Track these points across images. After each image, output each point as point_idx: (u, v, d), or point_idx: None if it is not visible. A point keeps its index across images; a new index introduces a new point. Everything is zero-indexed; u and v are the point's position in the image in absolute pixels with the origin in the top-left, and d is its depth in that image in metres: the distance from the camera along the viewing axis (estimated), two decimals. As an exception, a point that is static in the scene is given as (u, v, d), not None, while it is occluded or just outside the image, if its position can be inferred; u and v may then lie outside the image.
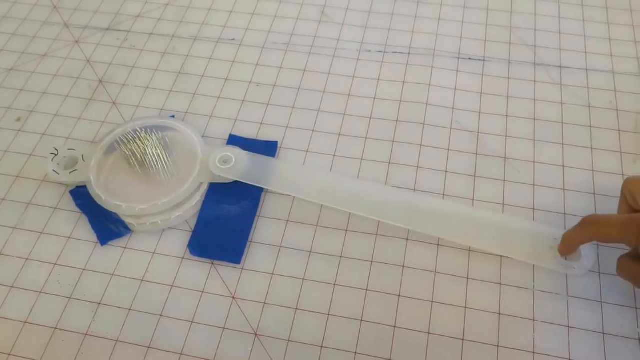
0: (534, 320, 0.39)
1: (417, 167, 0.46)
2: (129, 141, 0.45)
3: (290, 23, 0.56)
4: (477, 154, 0.47)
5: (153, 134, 0.45)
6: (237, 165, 0.45)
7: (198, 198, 0.44)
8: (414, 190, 0.45)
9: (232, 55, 0.54)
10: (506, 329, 0.39)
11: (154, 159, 0.44)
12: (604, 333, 0.38)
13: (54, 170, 0.45)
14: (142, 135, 0.45)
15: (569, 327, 0.39)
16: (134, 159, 0.44)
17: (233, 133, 0.49)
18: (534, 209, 0.44)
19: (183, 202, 0.44)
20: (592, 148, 0.47)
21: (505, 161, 0.46)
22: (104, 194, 0.43)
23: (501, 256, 0.41)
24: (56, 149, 0.46)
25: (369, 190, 0.44)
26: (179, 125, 0.47)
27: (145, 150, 0.44)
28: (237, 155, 0.45)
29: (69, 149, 0.46)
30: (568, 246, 0.39)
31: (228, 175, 0.44)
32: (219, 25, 0.56)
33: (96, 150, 0.46)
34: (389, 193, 0.44)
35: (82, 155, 0.46)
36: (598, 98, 0.50)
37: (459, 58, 0.53)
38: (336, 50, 0.54)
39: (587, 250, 0.40)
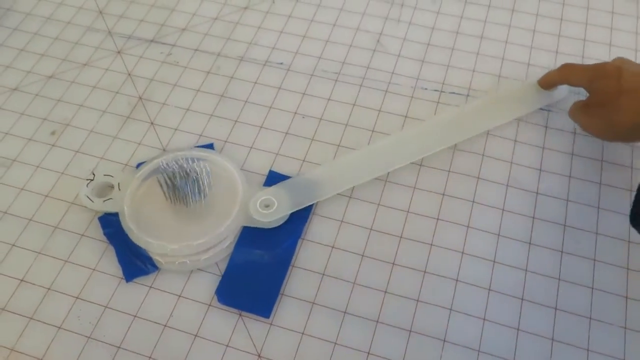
0: None
1: (468, 226, 0.43)
2: (169, 174, 0.42)
3: (343, 50, 0.53)
4: (534, 217, 0.43)
5: (195, 167, 0.42)
6: (279, 209, 0.42)
7: (231, 239, 0.42)
8: (462, 252, 0.41)
9: (278, 81, 0.51)
10: None
11: (192, 196, 0.42)
12: None
13: (87, 196, 0.43)
14: (183, 168, 0.42)
15: None
16: (172, 194, 0.42)
17: (273, 169, 0.46)
18: (592, 287, 0.40)
19: (214, 243, 0.41)
20: (662, 222, 0.43)
21: (565, 229, 0.42)
22: (136, 227, 0.41)
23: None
24: (93, 174, 0.44)
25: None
26: (221, 159, 0.45)
27: (184, 185, 0.41)
28: (280, 197, 0.43)
29: (105, 175, 0.44)
30: (547, 81, 0.47)
31: (269, 219, 0.42)
32: (268, 46, 0.53)
33: (132, 180, 0.43)
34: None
35: (118, 184, 0.44)
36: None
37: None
38: (389, 85, 0.51)
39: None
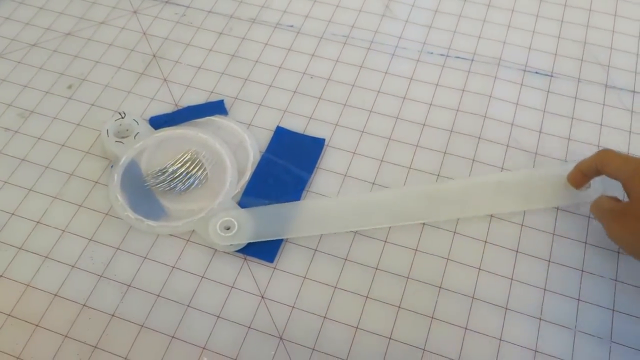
0: None
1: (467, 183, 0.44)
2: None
3: (352, 15, 0.54)
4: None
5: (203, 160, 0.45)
6: (241, 231, 0.41)
7: (238, 189, 0.44)
8: (454, 232, 0.43)
9: (288, 43, 0.53)
10: None
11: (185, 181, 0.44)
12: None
13: (107, 130, 0.45)
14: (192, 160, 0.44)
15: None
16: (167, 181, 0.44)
17: (281, 125, 0.47)
18: (585, 242, 0.41)
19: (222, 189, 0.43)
20: (657, 184, 0.44)
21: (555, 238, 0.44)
22: (119, 182, 0.44)
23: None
24: (124, 113, 0.46)
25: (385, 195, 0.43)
26: (227, 159, 0.45)
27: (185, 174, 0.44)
28: (240, 219, 0.41)
29: (133, 119, 0.46)
30: (578, 172, 0.41)
31: (231, 242, 0.41)
32: (279, 9, 0.55)
33: (149, 137, 0.46)
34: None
35: (137, 133, 0.45)
36: (671, 130, 0.46)
37: (525, 70, 0.50)
38: (396, 48, 0.52)
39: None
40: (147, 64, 0.52)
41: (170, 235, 0.42)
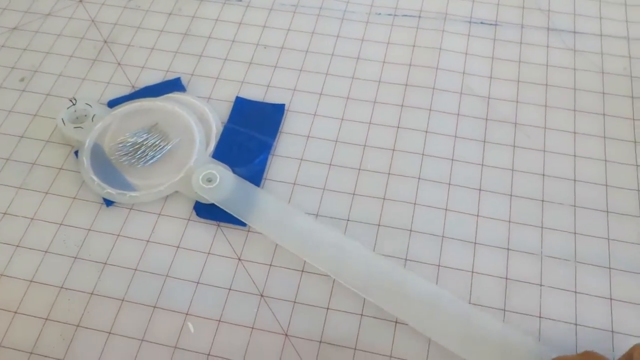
0: None
1: (426, 132, 0.45)
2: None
3: (299, -16, 0.55)
4: (487, 119, 0.46)
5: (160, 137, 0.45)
6: (220, 186, 0.41)
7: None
8: (423, 154, 0.44)
9: (239, 17, 0.53)
10: None
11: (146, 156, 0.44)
12: None
13: (62, 119, 0.45)
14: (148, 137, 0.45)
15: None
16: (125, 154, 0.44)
17: (240, 95, 0.48)
18: (543, 174, 0.43)
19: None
20: (604, 115, 0.46)
21: (516, 127, 0.45)
22: (90, 163, 0.44)
23: None
24: (75, 99, 0.46)
25: (352, 254, 0.40)
26: (191, 120, 0.45)
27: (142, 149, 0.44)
28: (223, 174, 0.42)
29: (86, 103, 0.46)
30: None
31: (209, 196, 0.41)
32: (226, -14, 0.55)
33: (106, 116, 0.46)
34: (375, 263, 0.39)
35: (94, 116, 0.45)
36: (612, 64, 0.49)
37: (470, 22, 0.52)
38: (345, 12, 0.53)
39: None
40: (99, 50, 0.51)
41: (141, 210, 0.42)
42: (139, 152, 0.44)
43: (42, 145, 0.46)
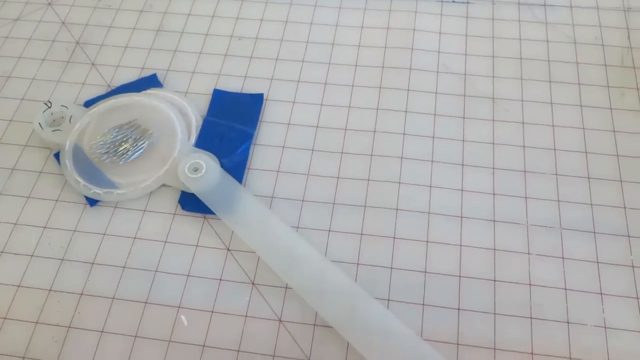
0: None
1: (406, 111, 0.46)
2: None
3: (269, -25, 0.55)
4: (465, 95, 0.46)
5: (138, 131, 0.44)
6: (206, 176, 0.41)
7: (186, 154, 0.44)
8: (404, 134, 0.44)
9: (211, 10, 0.53)
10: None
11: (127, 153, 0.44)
12: None
13: (39, 123, 0.44)
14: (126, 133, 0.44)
15: None
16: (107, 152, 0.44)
17: (217, 87, 0.48)
18: (524, 146, 0.44)
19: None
20: (579, 84, 0.47)
21: (494, 101, 0.46)
22: (73, 164, 0.43)
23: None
24: (50, 102, 0.45)
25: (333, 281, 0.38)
26: (170, 112, 0.45)
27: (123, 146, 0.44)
28: (209, 164, 0.42)
29: (61, 105, 0.45)
30: None
31: (193, 187, 0.41)
32: (196, -20, 0.55)
33: (83, 116, 0.45)
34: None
35: (71, 117, 0.45)
36: (584, 34, 0.49)
37: (442, 2, 0.52)
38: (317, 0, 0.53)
39: None
40: (72, 52, 0.51)
41: (125, 208, 0.42)
42: (120, 150, 0.43)
43: (20, 150, 0.45)
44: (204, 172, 0.41)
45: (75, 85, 0.49)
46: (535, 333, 0.36)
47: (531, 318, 0.37)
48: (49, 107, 0.45)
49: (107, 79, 0.49)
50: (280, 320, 0.38)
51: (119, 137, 0.44)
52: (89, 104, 0.47)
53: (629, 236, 0.40)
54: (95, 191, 0.42)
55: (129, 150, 0.43)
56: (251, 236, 0.40)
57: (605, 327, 0.37)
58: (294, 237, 0.40)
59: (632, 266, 0.39)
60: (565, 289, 0.38)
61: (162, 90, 0.47)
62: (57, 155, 0.44)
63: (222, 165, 0.43)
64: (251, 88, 0.48)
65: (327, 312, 0.37)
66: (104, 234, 0.41)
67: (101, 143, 0.44)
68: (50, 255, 0.41)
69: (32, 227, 0.42)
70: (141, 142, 0.43)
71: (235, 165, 0.43)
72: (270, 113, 0.46)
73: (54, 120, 0.45)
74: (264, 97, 0.47)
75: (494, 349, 0.36)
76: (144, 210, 0.42)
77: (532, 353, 0.36)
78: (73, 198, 0.43)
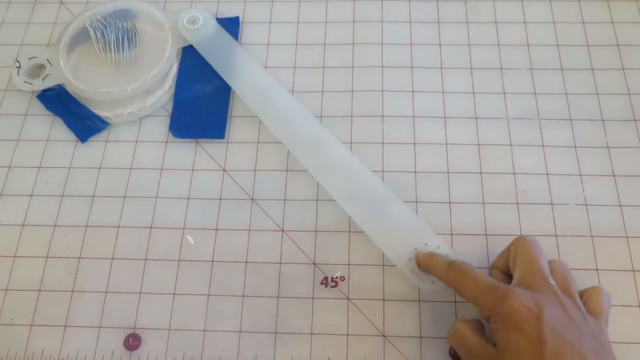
0: (511, 145, 0.41)
1: (382, 21, 0.46)
2: (94, 29, 0.45)
3: None
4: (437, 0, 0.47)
5: (116, 21, 0.45)
6: (203, 27, 0.45)
7: (170, 83, 0.44)
8: (382, 44, 0.45)
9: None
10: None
11: (124, 44, 0.44)
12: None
13: (25, 82, 0.44)
14: (103, 23, 0.45)
15: (543, 146, 0.41)
16: (104, 46, 0.44)
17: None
18: (498, 44, 0.45)
19: (156, 88, 0.44)
20: (547, -21, 0.48)
21: (466, 3, 0.47)
22: (88, 87, 0.43)
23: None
24: (18, 61, 0.45)
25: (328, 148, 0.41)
26: (136, 4, 0.47)
27: (109, 37, 0.44)
28: (205, 16, 0.46)
29: (30, 58, 0.45)
30: (425, 267, 0.35)
31: (192, 36, 0.45)
32: None
33: (58, 52, 0.44)
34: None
35: (48, 60, 0.45)
36: None
37: None
38: None
39: None
40: (38, -8, 0.50)
41: (117, 141, 0.43)
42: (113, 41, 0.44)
43: (1, 95, 0.45)
44: (201, 24, 0.45)
45: (47, 25, 0.48)
46: (522, 216, 0.39)
47: (517, 203, 0.39)
48: (20, 67, 0.45)
49: (76, 15, 0.48)
50: (282, 230, 0.39)
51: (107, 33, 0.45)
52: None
53: (602, 120, 0.42)
54: (105, 114, 0.43)
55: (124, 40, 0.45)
56: (250, 95, 0.43)
57: (586, 205, 0.39)
58: (290, 98, 0.43)
59: (608, 147, 0.41)
60: (547, 174, 0.40)
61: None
62: (39, 97, 0.44)
63: (206, 92, 0.44)
64: (226, 11, 0.48)
65: (322, 173, 0.40)
66: (100, 168, 0.42)
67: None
68: (50, 193, 0.41)
69: (26, 169, 0.42)
70: (134, 32, 0.45)
71: (220, 89, 0.44)
72: (248, 34, 0.47)
73: (36, 68, 0.45)
74: (240, 20, 0.47)
75: (486, 235, 0.38)
76: (136, 141, 0.43)
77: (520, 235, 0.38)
78: (63, 136, 0.43)
